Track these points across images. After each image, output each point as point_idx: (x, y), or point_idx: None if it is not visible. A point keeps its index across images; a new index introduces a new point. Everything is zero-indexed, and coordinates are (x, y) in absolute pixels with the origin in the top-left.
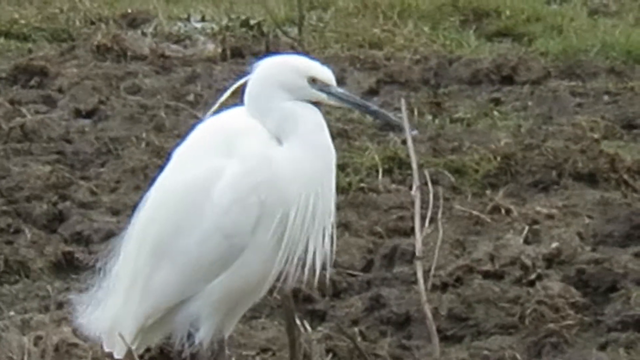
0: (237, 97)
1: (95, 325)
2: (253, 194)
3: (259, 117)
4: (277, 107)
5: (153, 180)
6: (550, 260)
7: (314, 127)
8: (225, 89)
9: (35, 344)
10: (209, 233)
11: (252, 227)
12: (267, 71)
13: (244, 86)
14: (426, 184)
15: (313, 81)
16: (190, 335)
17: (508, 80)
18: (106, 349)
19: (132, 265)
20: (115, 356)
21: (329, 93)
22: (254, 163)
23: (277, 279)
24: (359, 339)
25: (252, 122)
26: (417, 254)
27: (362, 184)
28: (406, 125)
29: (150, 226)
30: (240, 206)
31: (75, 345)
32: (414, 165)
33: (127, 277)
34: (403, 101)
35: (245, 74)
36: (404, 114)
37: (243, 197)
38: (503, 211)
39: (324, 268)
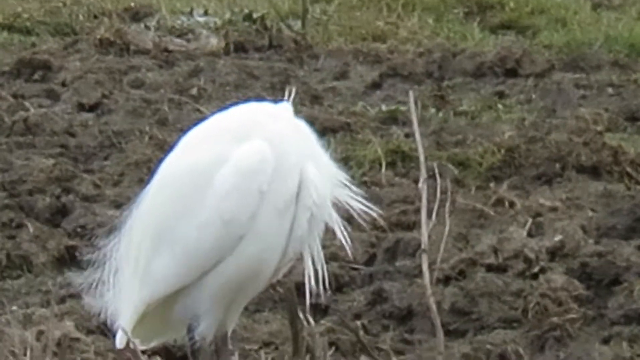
0: (239, 90)
1: (104, 310)
2: (255, 179)
3: None
4: None
5: (157, 169)
6: (554, 253)
7: None
8: (228, 84)
9: (37, 339)
10: (208, 219)
11: (252, 214)
12: None
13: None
14: (432, 176)
15: None
16: (191, 330)
17: (512, 73)
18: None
19: (135, 250)
20: (117, 345)
21: None
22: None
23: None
24: (361, 332)
25: (279, 106)
26: (423, 246)
27: (365, 178)
28: (414, 118)
29: (152, 210)
30: (241, 192)
31: (78, 339)
32: (421, 158)
33: (130, 263)
34: (411, 93)
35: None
36: (412, 107)
37: (244, 183)
38: (506, 204)
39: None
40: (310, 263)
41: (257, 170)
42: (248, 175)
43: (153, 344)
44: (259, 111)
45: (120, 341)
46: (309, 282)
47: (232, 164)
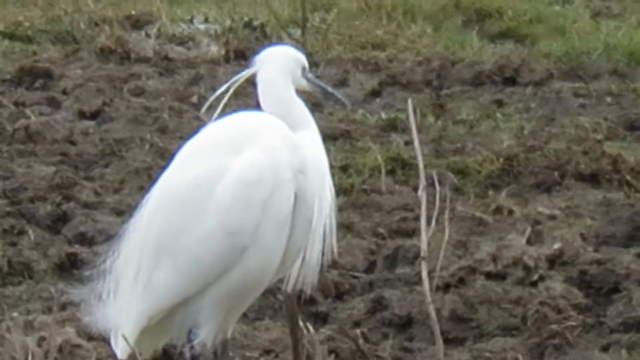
0: (239, 99)
1: (102, 323)
2: (257, 190)
3: (278, 110)
4: (296, 100)
5: (156, 180)
6: (553, 261)
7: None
8: (227, 90)
9: (39, 345)
10: (211, 231)
11: (256, 224)
12: (278, 61)
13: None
14: (432, 184)
15: (303, 69)
16: (192, 336)
17: (511, 81)
18: (114, 347)
19: (135, 264)
20: (119, 357)
21: (307, 79)
22: (268, 154)
23: (280, 280)
24: (361, 340)
25: (272, 117)
26: (422, 254)
27: (364, 185)
28: (413, 126)
29: (153, 224)
30: (244, 203)
31: (79, 346)
32: (421, 166)
33: (130, 276)
34: (410, 102)
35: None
36: (410, 115)
37: (247, 194)
38: (505, 212)
39: (323, 269)
40: (298, 269)
41: (258, 180)
42: (250, 185)
43: (152, 351)
44: (251, 121)
45: (122, 352)
46: (294, 284)
47: (234, 176)
